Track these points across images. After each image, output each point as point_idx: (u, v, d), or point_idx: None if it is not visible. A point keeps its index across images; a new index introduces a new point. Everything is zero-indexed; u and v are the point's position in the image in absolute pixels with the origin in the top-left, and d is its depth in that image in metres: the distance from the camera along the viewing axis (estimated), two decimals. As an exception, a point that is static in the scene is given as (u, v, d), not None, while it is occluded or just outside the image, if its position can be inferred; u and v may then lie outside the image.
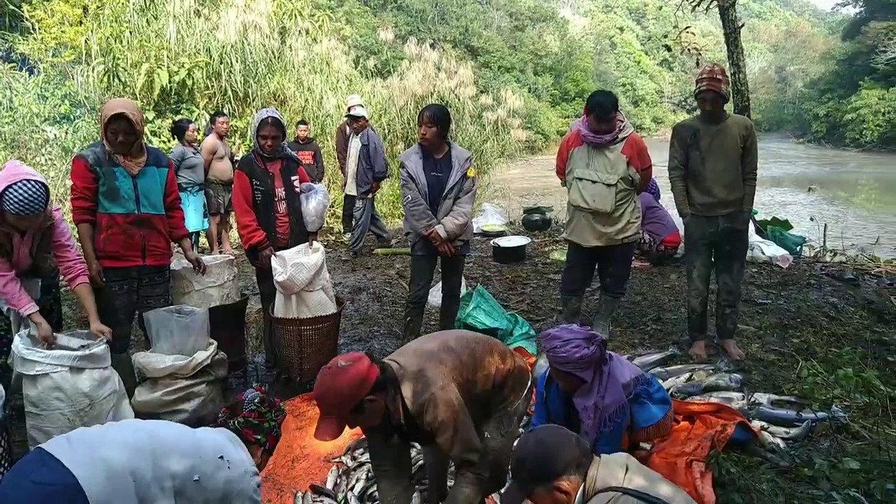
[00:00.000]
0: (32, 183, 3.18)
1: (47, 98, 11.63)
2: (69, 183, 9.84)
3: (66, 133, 11.37)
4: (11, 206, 3.15)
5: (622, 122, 4.69)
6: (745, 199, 4.55)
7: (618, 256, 4.90)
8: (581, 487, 1.92)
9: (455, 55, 16.56)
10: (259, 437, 2.21)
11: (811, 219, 9.72)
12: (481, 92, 16.82)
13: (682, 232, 7.08)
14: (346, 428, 2.26)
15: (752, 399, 4.01)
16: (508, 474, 2.73)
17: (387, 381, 2.29)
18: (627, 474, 1.93)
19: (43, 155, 11.13)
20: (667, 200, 7.43)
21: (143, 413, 3.67)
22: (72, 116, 11.65)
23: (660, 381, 3.53)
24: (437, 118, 4.44)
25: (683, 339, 5.02)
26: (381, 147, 8.41)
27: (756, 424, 3.66)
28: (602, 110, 4.56)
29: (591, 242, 4.79)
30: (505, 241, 7.87)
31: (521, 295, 6.37)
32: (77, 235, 3.83)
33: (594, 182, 4.69)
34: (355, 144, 8.34)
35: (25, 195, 3.15)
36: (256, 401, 2.26)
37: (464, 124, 14.27)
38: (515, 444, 2.11)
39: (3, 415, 3.04)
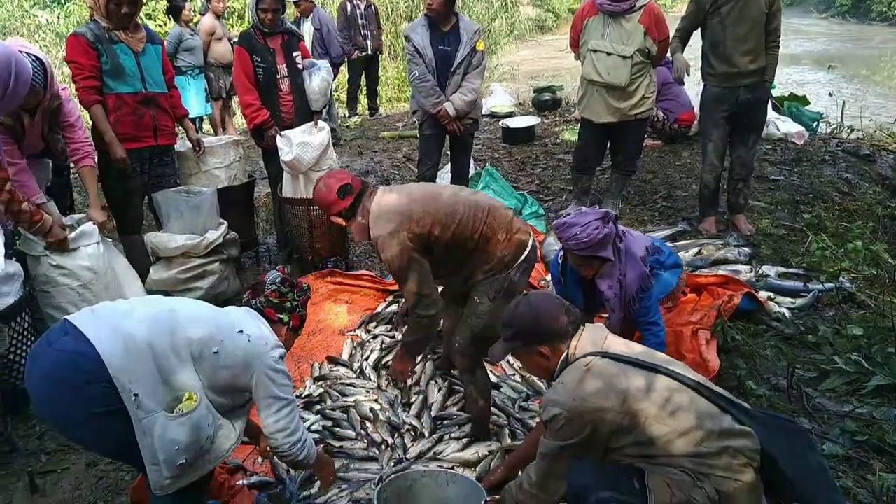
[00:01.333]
0: (26, 55, 3.07)
1: (35, -20, 11.17)
2: (66, 70, 9.65)
3: (58, 18, 11.00)
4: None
5: (639, -10, 4.43)
6: (767, 69, 4.37)
7: (630, 133, 4.80)
8: (564, 354, 1.98)
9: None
10: (282, 316, 2.22)
11: (830, 94, 9.41)
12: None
13: (697, 109, 6.91)
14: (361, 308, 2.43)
15: (760, 271, 4.04)
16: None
17: (356, 210, 2.65)
18: (608, 339, 1.98)
19: (36, 41, 10.79)
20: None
21: (158, 291, 3.76)
22: (62, 0, 11.22)
23: (669, 246, 3.51)
24: None
25: (693, 215, 5.01)
26: (335, 29, 8.00)
27: (763, 295, 3.71)
28: None
29: (603, 118, 4.67)
30: (514, 122, 7.70)
31: (531, 175, 6.31)
32: (90, 119, 3.72)
33: (609, 54, 4.51)
34: (307, 29, 7.72)
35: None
36: (277, 280, 2.27)
37: (471, 2, 13.64)
38: (510, 305, 2.15)
39: (24, 292, 3.11)
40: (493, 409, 2.86)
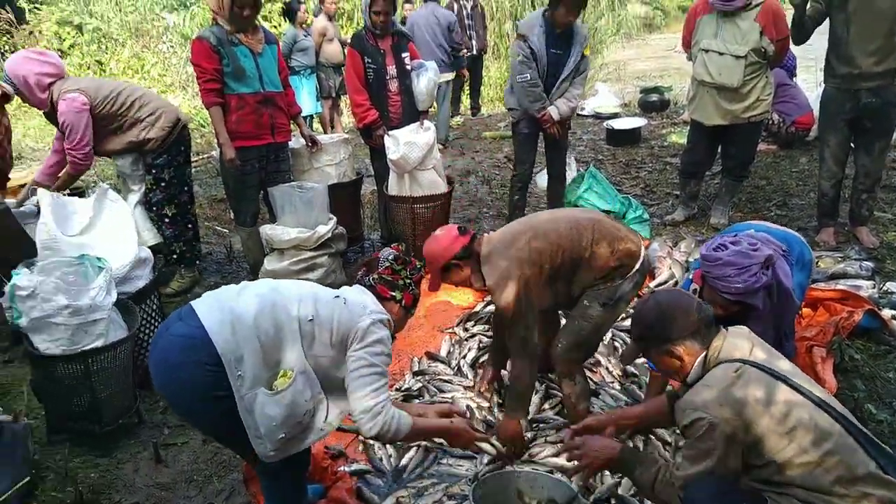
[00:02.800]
0: (3, 71, 3.68)
1: (165, -15, 11.96)
2: (190, 69, 10.29)
3: (184, 20, 11.73)
4: None
5: (758, -14, 4.23)
6: None
7: (743, 136, 4.60)
8: (702, 356, 1.91)
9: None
10: (394, 293, 2.23)
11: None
12: (596, -37, 15.62)
13: (816, 112, 6.52)
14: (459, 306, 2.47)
15: (884, 287, 3.78)
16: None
17: (471, 252, 2.57)
18: (753, 349, 1.90)
19: (164, 42, 11.58)
20: (802, 81, 6.84)
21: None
22: (187, 3, 11.96)
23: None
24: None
25: (811, 225, 4.74)
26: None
27: (886, 313, 3.47)
28: None
29: (714, 120, 4.51)
30: (619, 123, 7.56)
31: (636, 179, 6.17)
32: (211, 118, 3.98)
33: (721, 54, 4.34)
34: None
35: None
36: (391, 257, 2.28)
37: None
38: (636, 302, 2.12)
39: (153, 276, 3.38)
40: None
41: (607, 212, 4.61)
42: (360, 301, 2.10)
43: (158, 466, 2.79)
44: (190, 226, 4.28)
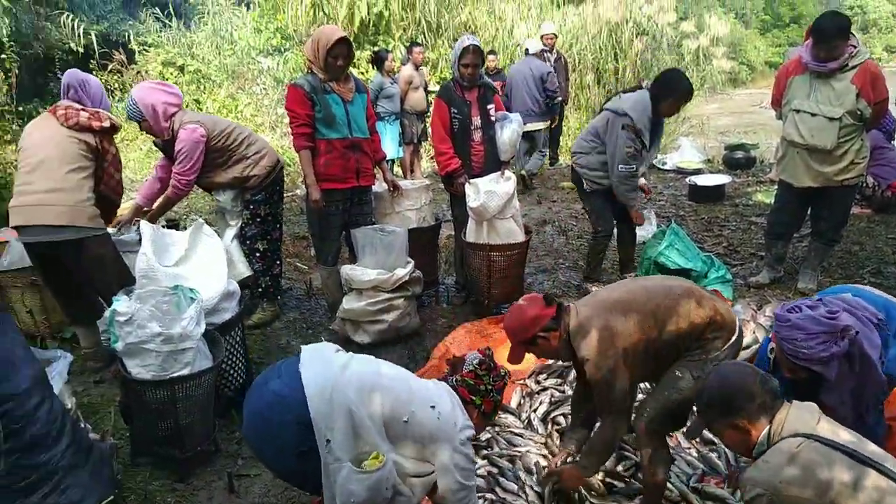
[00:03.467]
0: (130, 98, 3.99)
1: (261, 31, 12.66)
2: (280, 110, 10.76)
3: (278, 64, 12.36)
4: None
5: (854, 47, 4.12)
6: None
7: (835, 199, 4.43)
8: (766, 430, 1.87)
9: (654, -22, 15.45)
10: (475, 398, 2.25)
11: None
12: (681, 18, 15.62)
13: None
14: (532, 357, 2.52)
15: None
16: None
17: (559, 324, 2.47)
18: (821, 423, 1.84)
19: (258, 84, 12.21)
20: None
21: (349, 320, 4.06)
22: (282, 49, 12.62)
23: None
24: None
25: (908, 295, 4.48)
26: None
27: None
28: (821, 36, 4.03)
29: (804, 182, 4.37)
30: (702, 179, 7.42)
31: (718, 237, 6.02)
32: (300, 161, 4.17)
33: (814, 115, 4.23)
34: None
35: (126, 104, 4.02)
36: (476, 362, 2.31)
37: (660, 54, 13.40)
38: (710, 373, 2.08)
39: (239, 309, 3.52)
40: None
41: (688, 270, 4.52)
42: (451, 416, 2.15)
43: (231, 496, 2.87)
44: (278, 262, 4.47)
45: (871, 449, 1.82)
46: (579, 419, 2.88)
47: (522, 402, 3.52)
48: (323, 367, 2.08)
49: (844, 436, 1.83)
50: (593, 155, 4.52)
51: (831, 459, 1.72)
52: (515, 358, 2.54)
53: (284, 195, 4.59)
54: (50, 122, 3.47)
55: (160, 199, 4.17)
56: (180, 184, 4.03)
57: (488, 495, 2.81)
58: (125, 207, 4.31)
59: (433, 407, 2.11)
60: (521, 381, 3.71)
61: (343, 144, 4.08)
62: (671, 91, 4.24)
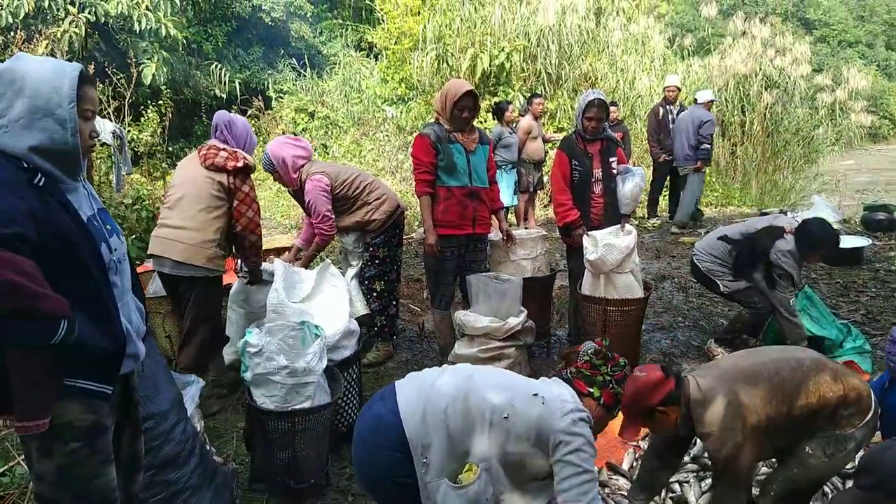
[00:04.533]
0: (265, 153, 4.33)
1: (388, 81, 13.30)
2: (401, 156, 11.18)
3: (401, 113, 12.90)
4: None
5: None
6: None
7: None
8: None
9: (787, 29, 14.86)
10: (592, 389, 2.13)
11: None
12: (816, 70, 14.92)
13: None
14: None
15: None
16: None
17: (679, 396, 2.31)
18: None
19: (381, 132, 12.78)
20: None
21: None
22: (406, 98, 13.18)
23: None
24: None
25: None
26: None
27: None
28: None
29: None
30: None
31: (855, 303, 5.59)
32: (420, 206, 4.33)
33: None
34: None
35: (262, 158, 4.36)
36: (591, 351, 2.21)
37: (791, 107, 12.82)
38: (871, 447, 1.90)
39: (357, 348, 3.64)
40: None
41: (822, 338, 4.22)
42: (558, 396, 2.04)
43: (340, 532, 2.93)
44: (394, 303, 4.62)
45: None
46: (647, 481, 2.71)
47: (635, 464, 3.38)
48: (417, 384, 2.10)
49: None
50: (718, 265, 4.44)
51: None
52: (631, 433, 2.38)
53: (403, 238, 4.75)
54: (194, 161, 3.76)
55: (313, 245, 4.46)
56: (323, 230, 4.32)
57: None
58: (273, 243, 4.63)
59: (535, 395, 2.01)
60: (635, 443, 3.57)
61: (462, 192, 4.18)
62: (816, 247, 4.05)
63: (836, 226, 7.86)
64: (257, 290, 4.11)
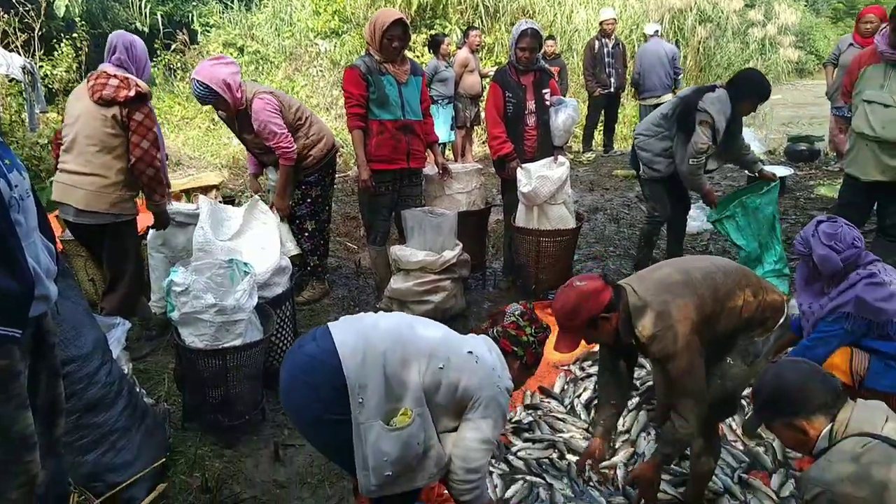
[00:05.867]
0: (196, 81, 3.90)
1: (320, 14, 12.77)
2: (335, 92, 10.86)
3: (335, 47, 12.48)
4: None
5: (935, 35, 3.91)
6: None
7: (904, 196, 4.23)
8: (828, 428, 1.80)
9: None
10: (516, 349, 2.21)
11: None
12: (748, 6, 15.09)
13: None
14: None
15: None
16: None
17: (619, 303, 2.32)
18: (888, 423, 1.76)
19: (315, 67, 12.36)
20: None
21: (396, 300, 4.09)
22: (340, 31, 12.72)
23: None
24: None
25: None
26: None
27: None
28: None
29: (872, 176, 4.17)
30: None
31: (776, 230, 5.83)
32: (352, 140, 4.22)
33: (887, 106, 4.03)
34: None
35: (194, 90, 3.95)
36: (517, 313, 2.27)
37: (724, 42, 13.00)
38: (760, 374, 2.01)
39: (290, 285, 3.59)
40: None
41: (739, 248, 4.41)
42: (490, 363, 2.09)
43: (276, 464, 2.95)
44: (323, 243, 4.54)
45: None
46: (610, 406, 2.69)
47: (566, 387, 3.50)
48: (354, 327, 2.10)
49: None
50: (656, 140, 4.46)
51: (891, 459, 1.65)
52: (568, 345, 2.34)
53: (336, 177, 4.65)
54: (83, 93, 3.38)
55: (280, 173, 4.15)
56: (284, 148, 4.05)
57: (528, 477, 2.83)
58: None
59: (471, 352, 2.07)
60: (566, 367, 3.69)
61: (395, 126, 4.10)
62: (751, 91, 4.22)
63: (761, 157, 8.14)
64: (177, 233, 3.93)
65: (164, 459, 2.79)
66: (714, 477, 2.70)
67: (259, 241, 3.53)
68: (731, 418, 3.11)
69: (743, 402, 3.23)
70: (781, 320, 2.45)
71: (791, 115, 12.60)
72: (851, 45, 6.36)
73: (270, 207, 4.01)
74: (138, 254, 3.73)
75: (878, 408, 1.84)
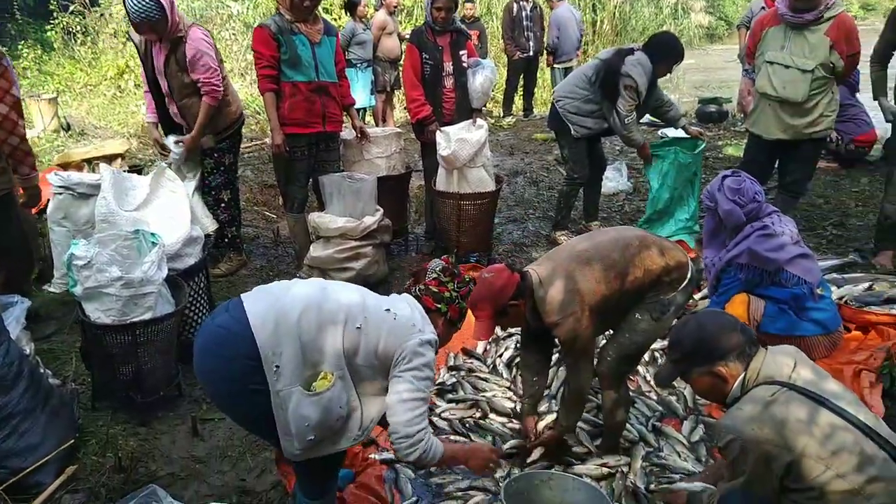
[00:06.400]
0: None
1: (232, -27, 12.21)
2: (250, 56, 10.45)
3: (247, 9, 11.97)
4: (130, 14, 3.66)
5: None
6: None
7: (803, 153, 4.45)
8: (741, 377, 1.87)
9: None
10: (439, 305, 2.19)
11: None
12: (661, -30, 15.40)
13: (879, 130, 6.29)
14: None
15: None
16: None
17: (525, 289, 2.42)
18: (795, 369, 1.85)
19: (227, 30, 11.83)
20: (864, 98, 6.58)
21: (316, 268, 4.03)
22: (253, -8, 12.22)
23: (834, 304, 3.26)
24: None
25: (868, 247, 4.57)
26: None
27: (944, 341, 3.33)
28: None
29: (774, 135, 4.37)
30: (674, 132, 7.39)
31: (686, 189, 6.05)
32: (264, 103, 4.09)
33: (787, 67, 4.21)
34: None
35: (137, 6, 3.58)
36: (438, 269, 2.25)
37: (638, 6, 13.26)
38: (675, 324, 2.08)
39: (203, 255, 3.46)
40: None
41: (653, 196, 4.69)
42: (409, 318, 2.06)
43: (194, 440, 2.87)
44: (238, 213, 4.41)
45: (830, 388, 1.85)
46: (533, 382, 2.77)
47: (488, 347, 3.55)
48: (266, 295, 2.04)
49: (824, 382, 1.85)
50: (582, 102, 4.53)
51: (812, 408, 1.73)
52: (484, 332, 2.43)
53: (250, 142, 4.50)
54: None
55: (201, 112, 3.92)
56: (213, 84, 3.86)
57: (453, 437, 2.86)
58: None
59: (388, 310, 2.04)
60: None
61: (309, 88, 3.98)
62: (667, 54, 4.44)
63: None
64: (79, 205, 3.70)
65: (73, 441, 2.67)
66: (629, 426, 2.82)
67: (167, 211, 3.37)
68: (645, 370, 3.26)
69: (656, 354, 3.38)
70: (686, 282, 2.55)
71: (702, 79, 13.03)
72: (763, 7, 6.58)
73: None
74: (20, 232, 3.47)
75: (787, 354, 1.92)
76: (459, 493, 2.52)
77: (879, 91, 4.24)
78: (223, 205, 4.24)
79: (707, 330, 1.94)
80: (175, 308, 3.00)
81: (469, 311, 2.33)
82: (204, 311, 3.45)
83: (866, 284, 4.01)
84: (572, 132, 4.61)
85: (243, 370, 1.92)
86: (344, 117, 4.37)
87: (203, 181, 4.15)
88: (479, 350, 3.54)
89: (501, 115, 9.40)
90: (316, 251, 4.03)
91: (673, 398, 3.09)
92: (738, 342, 1.90)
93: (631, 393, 3.05)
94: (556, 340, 2.55)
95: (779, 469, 1.69)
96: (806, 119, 4.26)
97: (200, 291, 3.46)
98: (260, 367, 1.91)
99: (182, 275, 3.23)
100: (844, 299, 3.77)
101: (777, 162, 4.67)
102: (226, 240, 4.35)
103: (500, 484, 2.38)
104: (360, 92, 7.60)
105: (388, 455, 2.70)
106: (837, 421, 1.71)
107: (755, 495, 1.75)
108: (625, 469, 2.61)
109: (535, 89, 9.86)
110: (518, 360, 3.35)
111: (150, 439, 2.86)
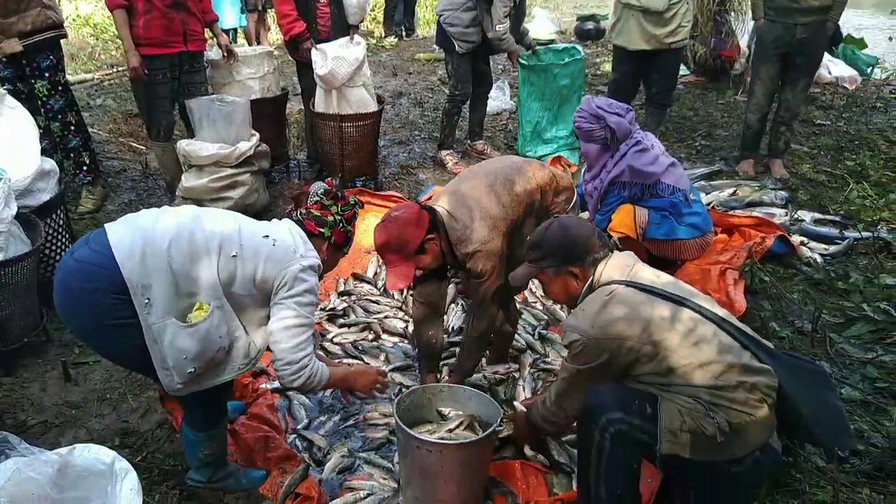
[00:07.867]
0: None
1: None
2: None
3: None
4: None
5: None
6: (833, 7, 4.14)
7: (666, 64, 4.62)
8: (588, 281, 1.96)
9: None
10: (322, 230, 2.10)
11: (890, 39, 8.94)
12: None
13: (743, 45, 6.63)
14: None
15: (796, 216, 3.95)
16: None
17: (438, 223, 2.32)
18: (635, 267, 1.95)
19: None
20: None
21: (191, 199, 3.79)
22: None
23: (704, 207, 3.40)
24: None
25: (732, 155, 4.88)
26: None
27: (796, 239, 3.64)
28: None
29: (638, 45, 4.49)
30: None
31: (567, 105, 6.15)
32: (115, 22, 3.69)
33: None
34: None
35: None
36: (321, 192, 2.15)
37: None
38: (538, 227, 2.11)
39: (60, 189, 3.17)
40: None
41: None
42: (289, 243, 1.97)
43: (67, 385, 2.70)
44: (87, 135, 4.04)
45: (687, 288, 1.97)
46: (429, 336, 2.64)
47: (378, 270, 3.53)
48: (132, 225, 1.89)
49: (665, 279, 1.96)
50: (461, 12, 4.44)
51: (649, 300, 1.84)
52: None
53: (111, 68, 4.08)
54: None
55: None
56: None
57: (346, 360, 2.85)
58: None
59: (266, 236, 1.95)
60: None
61: (164, 3, 3.65)
62: None
63: (553, 36, 8.45)
64: None
65: (-76, 399, 2.43)
66: (517, 336, 2.91)
67: (11, 143, 3.03)
68: (531, 282, 3.35)
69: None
70: (574, 200, 2.62)
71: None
72: None
73: None
74: None
75: (627, 256, 2.01)
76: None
77: (757, 14, 4.42)
78: (73, 127, 3.86)
79: (568, 233, 1.99)
80: (30, 248, 2.75)
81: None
82: (66, 249, 3.18)
83: (731, 190, 4.30)
84: (457, 48, 4.53)
85: (110, 305, 1.79)
86: (208, 35, 4.05)
87: (44, 106, 3.74)
88: (370, 274, 3.51)
89: (383, 34, 9.07)
90: (189, 181, 3.78)
91: (557, 307, 3.22)
92: (597, 246, 1.97)
93: (519, 304, 3.16)
94: (468, 275, 2.44)
95: (626, 360, 1.80)
96: (666, 28, 4.41)
97: (60, 229, 3.18)
98: (128, 300, 1.78)
99: (36, 212, 2.95)
100: (712, 204, 4.03)
101: (642, 80, 4.81)
102: (84, 169, 3.99)
103: (393, 398, 2.41)
104: (229, 10, 7.06)
105: (280, 384, 2.66)
106: (696, 315, 1.83)
107: (583, 386, 1.89)
108: (515, 375, 2.71)
109: (417, 8, 9.57)
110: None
111: (17, 389, 2.67)
